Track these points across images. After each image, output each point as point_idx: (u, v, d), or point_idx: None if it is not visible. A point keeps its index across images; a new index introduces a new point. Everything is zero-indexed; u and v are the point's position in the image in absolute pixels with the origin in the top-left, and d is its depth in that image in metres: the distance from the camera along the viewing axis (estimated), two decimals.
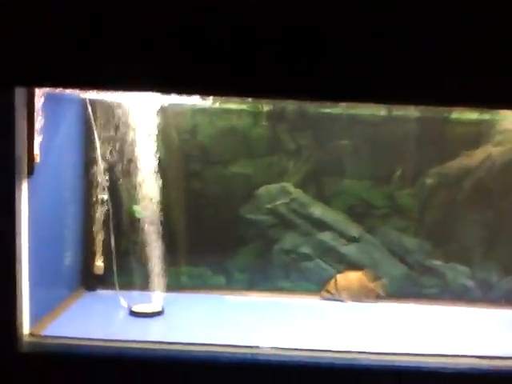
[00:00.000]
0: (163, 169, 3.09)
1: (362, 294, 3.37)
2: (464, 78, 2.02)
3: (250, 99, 3.26)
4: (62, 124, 2.96)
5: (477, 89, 2.05)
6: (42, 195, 2.62)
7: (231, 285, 3.46)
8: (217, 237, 3.40)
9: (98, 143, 3.11)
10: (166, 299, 3.12)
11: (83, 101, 3.10)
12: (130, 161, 3.07)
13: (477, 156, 3.39)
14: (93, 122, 3.08)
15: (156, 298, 3.13)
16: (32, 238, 2.35)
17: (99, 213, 3.22)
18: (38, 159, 2.49)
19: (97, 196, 3.19)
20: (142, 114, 3.03)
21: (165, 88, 2.22)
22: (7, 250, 2.23)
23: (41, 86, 2.39)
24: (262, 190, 3.46)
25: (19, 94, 2.22)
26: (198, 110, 3.36)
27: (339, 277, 3.39)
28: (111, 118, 3.05)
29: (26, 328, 2.41)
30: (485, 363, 2.38)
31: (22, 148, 2.31)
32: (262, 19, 2.03)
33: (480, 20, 2.00)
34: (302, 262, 3.48)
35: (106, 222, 3.21)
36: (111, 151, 3.11)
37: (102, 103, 3.07)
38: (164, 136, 3.15)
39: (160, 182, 3.08)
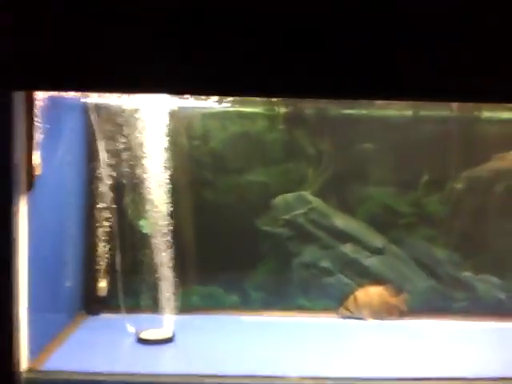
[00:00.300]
0: (172, 178, 2.94)
1: (383, 311, 3.22)
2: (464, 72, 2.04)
3: (264, 101, 3.22)
4: (64, 132, 2.86)
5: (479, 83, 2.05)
6: (43, 211, 2.51)
7: (246, 304, 3.32)
8: (230, 252, 3.25)
9: (101, 152, 2.97)
10: (176, 323, 2.94)
11: (85, 107, 2.98)
12: (137, 171, 2.95)
13: (510, 158, 3.29)
14: (96, 129, 2.96)
15: (165, 321, 2.95)
16: (31, 259, 2.25)
17: (103, 228, 3.08)
18: (38, 171, 2.37)
19: (100, 210, 3.05)
20: (149, 120, 2.90)
21: (169, 89, 2.17)
22: (4, 275, 2.12)
23: (40, 89, 2.30)
24: (279, 200, 3.34)
25: (17, 98, 2.15)
26: (209, 115, 3.25)
27: (358, 293, 3.25)
28: (116, 125, 2.93)
29: (24, 363, 2.27)
30: None
31: (21, 158, 2.21)
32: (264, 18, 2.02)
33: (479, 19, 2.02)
34: (322, 278, 3.34)
35: (110, 239, 3.07)
36: (116, 161, 2.98)
37: (106, 109, 2.95)
38: (173, 143, 2.98)
39: (169, 193, 2.94)
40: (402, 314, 3.25)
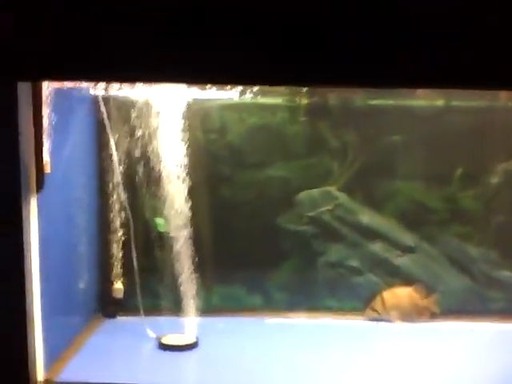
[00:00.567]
0: (189, 174, 2.88)
1: (413, 313, 3.11)
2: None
3: (285, 92, 3.11)
4: (74, 127, 2.77)
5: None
6: (53, 211, 2.42)
7: (269, 305, 3.23)
8: (252, 251, 3.17)
9: (113, 147, 2.89)
10: (197, 326, 2.87)
11: (96, 99, 2.88)
12: (151, 167, 2.90)
13: None
14: (108, 123, 2.88)
15: (187, 325, 2.87)
16: (43, 261, 2.16)
17: (117, 227, 3.01)
18: (48, 169, 2.27)
19: (114, 208, 2.99)
20: (164, 113, 2.82)
21: (181, 78, 2.02)
22: (16, 279, 2.03)
23: (47, 79, 2.18)
24: (303, 196, 3.23)
25: (23, 90, 2.01)
26: (226, 106, 3.14)
27: (386, 294, 3.14)
28: (128, 119, 2.84)
29: (40, 375, 2.18)
30: None
31: (29, 155, 2.09)
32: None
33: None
34: (349, 277, 3.25)
35: (125, 238, 3.00)
36: (130, 156, 2.92)
37: (118, 101, 2.88)
38: (188, 137, 2.90)
39: (185, 189, 2.87)
40: (432, 315, 3.13)
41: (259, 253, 3.16)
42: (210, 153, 3.15)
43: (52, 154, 2.31)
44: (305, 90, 3.08)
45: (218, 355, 2.63)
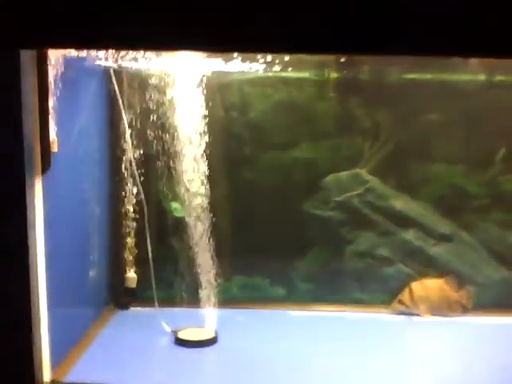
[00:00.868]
0: (207, 155, 2.78)
1: (444, 307, 2.99)
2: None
3: (312, 65, 2.99)
4: (85, 102, 2.66)
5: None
6: (61, 195, 2.32)
7: (293, 297, 3.15)
8: (274, 238, 3.08)
9: (127, 125, 2.80)
10: (217, 319, 2.77)
11: (108, 72, 2.79)
12: (167, 147, 2.81)
13: None
14: (121, 98, 2.81)
15: (205, 318, 2.76)
16: (49, 249, 2.06)
17: (131, 212, 2.94)
18: (55, 148, 2.16)
19: (127, 191, 2.91)
20: (181, 88, 2.70)
21: (197, 45, 1.84)
22: (19, 269, 1.94)
23: (52, 47, 2.02)
24: (331, 179, 3.14)
25: (26, 59, 1.89)
26: (248, 81, 3.03)
27: (415, 285, 3.02)
28: (143, 94, 2.76)
29: (46, 374, 2.06)
30: None
31: (33, 133, 1.97)
32: None
33: None
34: (379, 268, 3.13)
35: (139, 224, 2.94)
36: (144, 135, 2.83)
37: (132, 74, 2.80)
38: (207, 114, 2.80)
39: (204, 171, 2.78)
40: (464, 310, 3.00)
41: (282, 240, 3.09)
42: (230, 132, 3.06)
43: (60, 131, 2.20)
44: (334, 62, 2.96)
45: (239, 352, 2.52)
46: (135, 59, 2.45)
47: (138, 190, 2.86)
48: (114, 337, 2.63)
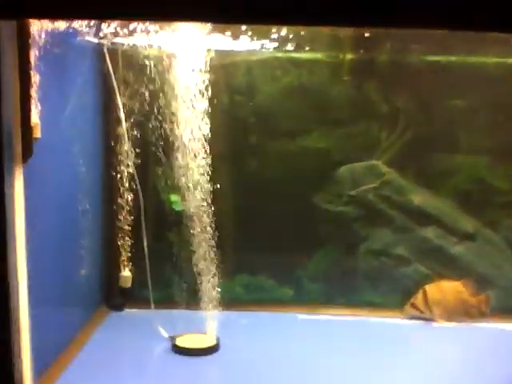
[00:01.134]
0: (209, 143, 2.67)
1: (460, 312, 2.93)
2: None
3: (326, 45, 2.84)
4: (74, 81, 2.61)
5: None
6: (45, 186, 2.23)
7: (301, 299, 3.09)
8: (282, 235, 3.01)
9: (121, 109, 2.70)
10: (218, 323, 2.66)
11: (101, 49, 2.69)
12: (167, 134, 2.68)
13: None
14: (115, 78, 2.69)
15: (205, 321, 2.62)
16: (32, 244, 1.96)
17: (125, 206, 2.86)
18: (38, 133, 2.07)
19: (122, 183, 2.82)
20: (181, 69, 2.59)
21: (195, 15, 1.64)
22: None
23: (33, 16, 1.85)
24: (344, 171, 3.08)
25: (4, 32, 1.76)
26: (255, 62, 2.95)
27: (429, 288, 2.96)
28: (140, 74, 2.64)
29: None
30: None
31: (13, 116, 1.86)
32: None
33: None
34: (395, 268, 3.07)
35: (134, 217, 2.85)
36: (141, 121, 2.72)
37: (128, 53, 2.66)
38: (210, 98, 2.65)
39: (206, 161, 2.68)
40: (482, 316, 2.93)
41: (290, 237, 3.03)
42: (234, 118, 2.99)
43: (45, 115, 2.09)
44: (349, 42, 2.85)
45: (243, 362, 2.43)
46: (131, 33, 2.30)
47: (134, 181, 2.77)
48: (105, 343, 2.56)
